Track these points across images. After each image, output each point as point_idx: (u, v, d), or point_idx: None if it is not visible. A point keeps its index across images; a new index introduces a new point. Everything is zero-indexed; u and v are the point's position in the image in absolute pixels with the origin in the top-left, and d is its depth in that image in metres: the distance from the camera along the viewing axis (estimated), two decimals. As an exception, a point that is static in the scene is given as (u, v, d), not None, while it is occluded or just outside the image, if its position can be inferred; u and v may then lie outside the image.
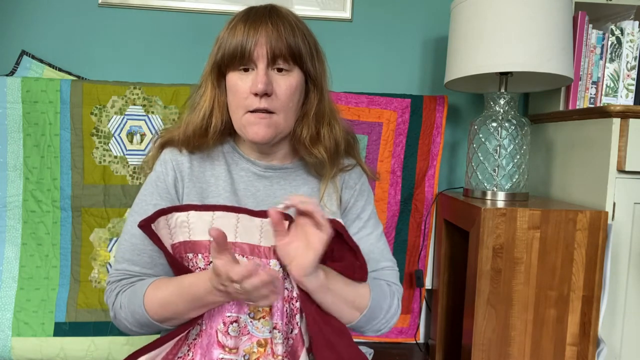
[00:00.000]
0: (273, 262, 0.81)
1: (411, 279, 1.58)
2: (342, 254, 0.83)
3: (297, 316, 0.82)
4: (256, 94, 0.79)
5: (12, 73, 1.46)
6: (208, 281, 0.74)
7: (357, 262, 0.82)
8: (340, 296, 0.82)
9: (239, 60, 0.80)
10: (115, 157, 1.42)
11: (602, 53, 1.43)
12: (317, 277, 0.78)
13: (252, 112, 0.81)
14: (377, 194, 1.54)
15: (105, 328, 1.39)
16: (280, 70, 0.81)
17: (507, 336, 1.19)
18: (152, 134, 1.43)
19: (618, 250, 1.24)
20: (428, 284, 1.60)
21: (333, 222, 0.79)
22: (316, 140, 0.87)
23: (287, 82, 0.81)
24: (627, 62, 1.42)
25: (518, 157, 1.33)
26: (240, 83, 0.81)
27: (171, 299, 0.79)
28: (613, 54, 1.42)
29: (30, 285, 1.38)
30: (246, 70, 0.81)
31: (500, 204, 1.24)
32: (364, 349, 1.50)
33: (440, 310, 1.55)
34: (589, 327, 1.20)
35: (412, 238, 1.58)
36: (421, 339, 1.65)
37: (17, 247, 1.38)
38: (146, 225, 0.80)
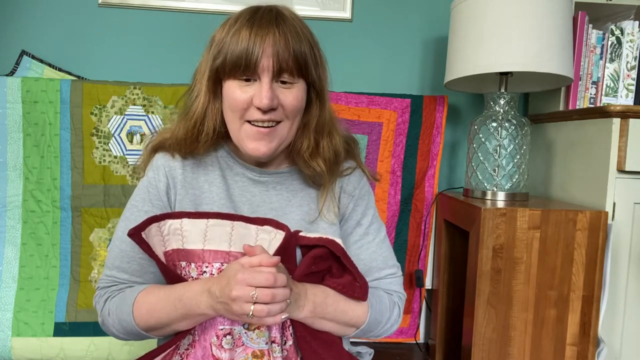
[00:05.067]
0: None
1: (411, 279, 1.58)
2: (341, 271, 0.81)
3: (291, 327, 0.81)
4: (260, 108, 0.75)
5: (12, 73, 1.46)
6: (199, 294, 0.73)
7: (357, 283, 0.81)
8: (334, 320, 0.81)
9: (243, 70, 0.75)
10: (115, 157, 1.42)
11: (602, 53, 1.43)
12: (299, 311, 0.77)
13: (251, 122, 0.77)
14: (377, 194, 1.54)
15: (105, 328, 1.39)
16: (284, 82, 0.77)
17: (507, 336, 1.19)
18: (152, 134, 1.43)
19: (618, 250, 1.24)
20: (428, 284, 1.60)
21: (331, 244, 0.78)
22: (315, 152, 0.83)
23: (293, 94, 0.78)
24: (627, 62, 1.42)
25: (518, 157, 1.33)
26: (239, 93, 0.76)
27: (158, 306, 0.77)
28: (613, 54, 1.42)
29: (30, 285, 1.38)
30: (247, 79, 0.76)
31: (500, 204, 1.24)
32: (363, 348, 1.50)
33: (440, 310, 1.55)
34: (589, 327, 1.19)
35: (412, 238, 1.58)
36: (421, 339, 1.65)
37: (17, 247, 1.38)
38: (136, 234, 0.77)
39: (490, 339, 1.19)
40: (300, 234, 0.81)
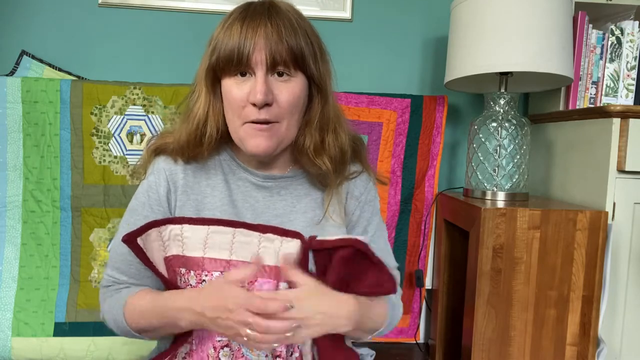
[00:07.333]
0: (283, 285, 0.76)
1: (411, 279, 1.58)
2: (362, 270, 0.79)
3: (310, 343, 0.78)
4: (255, 104, 0.73)
5: (12, 73, 1.46)
6: (181, 310, 0.72)
7: (384, 276, 0.79)
8: (362, 329, 0.80)
9: (236, 65, 0.73)
10: (115, 157, 1.42)
11: (602, 53, 1.43)
12: (341, 329, 0.75)
13: (250, 122, 0.75)
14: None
15: (105, 328, 1.36)
16: (280, 74, 0.75)
17: (507, 336, 1.19)
18: (152, 134, 1.43)
19: (618, 250, 1.24)
20: (428, 284, 1.60)
21: (355, 242, 0.75)
22: (320, 149, 0.80)
23: (289, 89, 0.75)
24: (627, 62, 1.42)
25: (518, 157, 1.33)
26: (236, 90, 0.74)
27: (146, 313, 0.77)
28: (613, 54, 1.42)
29: (30, 285, 1.38)
30: (243, 74, 0.75)
31: (500, 204, 1.24)
32: (365, 350, 1.50)
33: (440, 310, 1.55)
34: (589, 327, 1.20)
35: (412, 238, 1.58)
36: (421, 339, 1.65)
37: (17, 247, 1.38)
38: (131, 240, 0.76)
39: (490, 339, 1.19)
40: (318, 238, 0.78)
